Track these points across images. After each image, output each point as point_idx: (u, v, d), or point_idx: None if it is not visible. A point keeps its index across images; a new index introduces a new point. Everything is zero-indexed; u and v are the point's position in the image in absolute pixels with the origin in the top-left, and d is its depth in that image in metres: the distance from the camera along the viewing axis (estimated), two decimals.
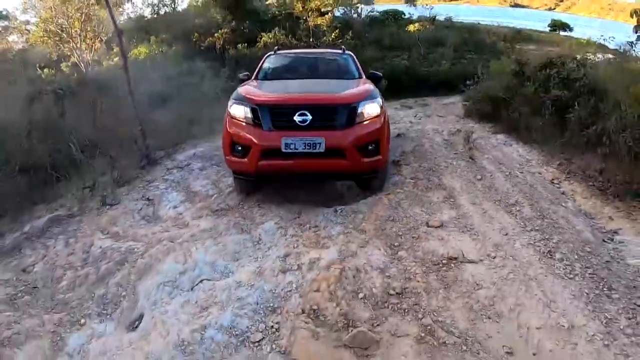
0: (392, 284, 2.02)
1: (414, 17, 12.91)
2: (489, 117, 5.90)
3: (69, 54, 10.36)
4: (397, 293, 1.96)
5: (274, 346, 1.67)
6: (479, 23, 13.65)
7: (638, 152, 3.47)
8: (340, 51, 4.97)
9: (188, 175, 3.77)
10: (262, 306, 1.87)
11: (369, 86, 3.63)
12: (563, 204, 3.26)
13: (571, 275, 2.23)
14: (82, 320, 1.93)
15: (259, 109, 3.11)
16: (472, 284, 2.08)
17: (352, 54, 4.88)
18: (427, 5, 12.88)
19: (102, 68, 10.37)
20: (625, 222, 3.07)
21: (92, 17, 10.51)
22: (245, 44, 10.22)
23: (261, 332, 1.74)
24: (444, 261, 2.27)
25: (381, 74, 4.48)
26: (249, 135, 3.10)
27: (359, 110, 3.16)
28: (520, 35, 13.04)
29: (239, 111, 3.23)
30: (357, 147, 3.06)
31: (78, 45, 10.17)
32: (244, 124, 3.17)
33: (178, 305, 1.91)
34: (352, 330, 1.65)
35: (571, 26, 14.45)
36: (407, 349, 1.55)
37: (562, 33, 14.28)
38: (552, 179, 3.81)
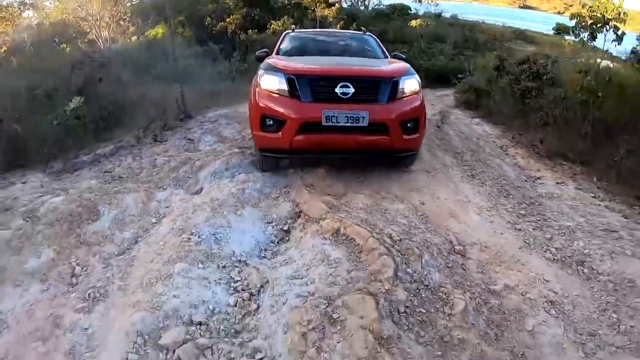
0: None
1: (420, 13, 14.46)
2: (472, 105, 7.44)
3: (88, 30, 11.88)
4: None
5: (285, 199, 3.14)
6: (484, 22, 15.22)
7: (567, 122, 5.00)
8: (360, 32, 5.25)
9: (218, 126, 5.26)
10: (279, 183, 3.34)
11: (404, 63, 3.78)
12: (501, 158, 4.74)
13: (482, 185, 3.72)
14: (164, 187, 3.40)
15: (296, 79, 3.11)
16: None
17: (372, 35, 5.09)
18: (432, 1, 14.42)
19: (119, 45, 11.86)
20: (548, 173, 4.52)
21: None
22: (256, 30, 11.74)
23: (278, 193, 3.21)
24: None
25: (404, 56, 4.52)
26: (284, 108, 3.09)
27: (400, 86, 3.23)
28: (522, 36, 14.58)
29: (272, 82, 3.20)
30: (400, 123, 3.14)
31: (98, 23, 11.69)
32: (277, 95, 3.16)
33: (227, 181, 3.38)
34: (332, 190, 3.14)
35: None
36: (362, 197, 3.03)
37: (566, 37, 15.70)
38: (502, 145, 5.30)
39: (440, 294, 1.88)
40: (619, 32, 5.53)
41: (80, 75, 6.26)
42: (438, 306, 1.81)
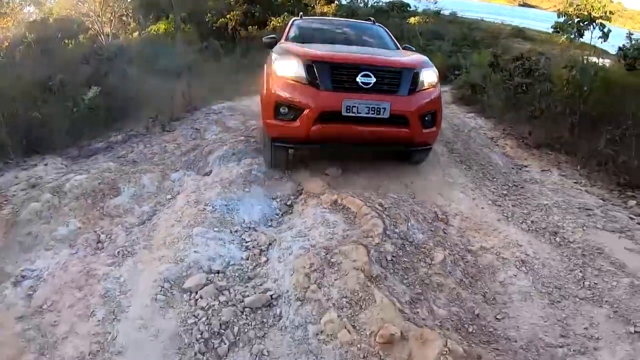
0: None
1: (419, 10, 14.84)
2: (467, 101, 7.80)
3: (90, 26, 12.23)
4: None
5: (288, 179, 3.49)
6: (483, 20, 15.62)
7: (555, 115, 5.36)
8: (370, 22, 5.20)
9: (222, 118, 5.60)
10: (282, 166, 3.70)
11: (419, 54, 3.78)
12: (490, 148, 5.10)
13: (468, 169, 4.07)
14: (177, 169, 3.75)
15: (315, 66, 3.03)
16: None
17: (382, 25, 5.09)
18: None
19: (121, 41, 12.21)
20: (534, 162, 4.86)
21: None
22: (256, 27, 12.10)
23: (282, 175, 3.56)
24: None
25: (414, 48, 4.58)
26: (301, 96, 3.02)
27: (421, 77, 3.22)
28: (522, 34, 14.97)
29: (289, 68, 3.12)
30: (419, 116, 3.13)
31: (100, 19, 12.05)
32: (294, 82, 3.08)
33: (234, 164, 3.72)
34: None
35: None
36: (358, 177, 3.39)
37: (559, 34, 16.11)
38: (492, 137, 5.65)
39: (423, 249, 2.24)
40: (605, 30, 5.92)
41: (88, 69, 6.64)
42: (420, 258, 2.16)
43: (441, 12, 15.01)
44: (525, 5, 30.99)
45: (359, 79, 3.01)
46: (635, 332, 2.05)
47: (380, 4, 14.68)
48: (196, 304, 1.91)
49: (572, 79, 5.31)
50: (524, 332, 1.89)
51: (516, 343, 1.81)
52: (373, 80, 3.03)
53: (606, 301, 2.25)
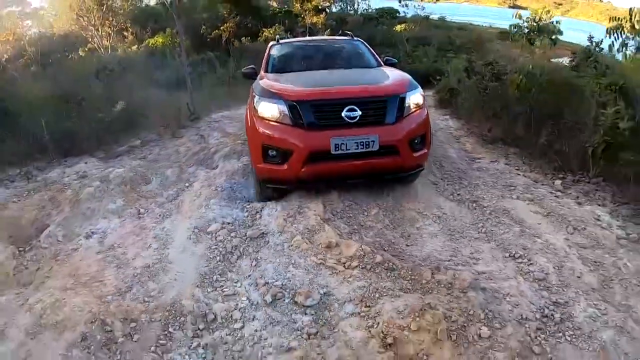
0: None
1: (408, 16, 16.38)
2: (446, 104, 9.22)
3: (90, 40, 13.72)
4: None
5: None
6: (470, 23, 17.15)
7: (510, 114, 6.75)
8: (348, 37, 5.52)
9: (222, 125, 7.03)
10: None
11: (403, 74, 3.99)
12: (450, 144, 6.48)
13: None
14: (190, 165, 5.14)
15: (299, 106, 3.17)
16: None
17: (361, 40, 5.33)
18: (419, 4, 16.35)
19: (119, 54, 13.71)
20: (487, 155, 6.21)
21: (111, 8, 13.96)
22: (249, 38, 13.61)
23: None
24: None
25: (396, 60, 4.83)
26: (289, 138, 3.16)
27: (407, 102, 3.38)
28: (507, 37, 16.46)
29: (272, 110, 3.26)
30: (409, 142, 3.31)
31: (98, 32, 13.58)
32: (278, 124, 3.23)
33: (235, 161, 5.10)
34: None
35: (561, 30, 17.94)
36: None
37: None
38: (457, 136, 7.04)
39: (365, 207, 3.59)
40: (553, 37, 7.38)
41: (99, 83, 8.05)
42: (360, 212, 3.51)
43: (430, 17, 16.52)
44: (515, 6, 32.81)
45: (344, 113, 3.17)
46: (510, 256, 3.34)
47: (370, 11, 16.21)
48: (216, 239, 3.25)
49: (520, 82, 6.71)
50: (424, 253, 3.20)
51: (416, 258, 3.13)
52: (359, 113, 3.19)
53: (494, 240, 3.55)
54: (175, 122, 6.89)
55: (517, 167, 5.56)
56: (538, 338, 2.31)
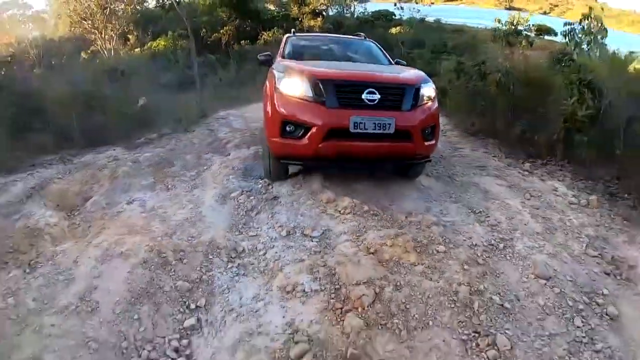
0: None
1: (404, 19, 17.54)
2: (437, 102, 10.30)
3: (93, 43, 14.78)
4: None
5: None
6: (466, 25, 18.30)
7: (492, 110, 7.82)
8: (360, 38, 6.08)
9: (229, 121, 8.11)
10: None
11: (417, 70, 4.38)
12: None
13: None
14: (206, 152, 6.19)
15: (322, 84, 3.41)
16: None
17: (373, 40, 6.00)
18: (414, 7, 17.52)
19: (121, 56, 14.78)
20: (468, 144, 7.29)
21: (114, 12, 15.07)
22: (248, 41, 14.72)
23: None
24: None
25: (405, 62, 5.40)
26: (309, 114, 3.41)
27: (421, 93, 3.71)
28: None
29: (295, 87, 3.51)
30: (421, 130, 3.61)
31: (102, 35, 14.65)
32: (300, 100, 3.49)
33: (245, 150, 6.15)
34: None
35: (556, 31, 19.15)
36: None
37: (546, 37, 18.92)
38: (443, 130, 8.09)
39: (358, 180, 4.66)
40: (530, 39, 8.50)
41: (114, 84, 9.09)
42: (354, 181, 4.58)
43: (426, 19, 17.70)
44: (511, 8, 34.30)
45: (364, 96, 3.46)
46: (472, 212, 4.33)
47: (366, 14, 17.36)
48: (237, 201, 4.29)
49: (499, 80, 7.79)
50: (403, 209, 4.21)
51: (400, 215, 4.17)
52: (378, 97, 3.48)
53: (461, 202, 4.56)
54: (186, 119, 7.95)
55: (494, 155, 6.62)
56: (483, 255, 3.36)
